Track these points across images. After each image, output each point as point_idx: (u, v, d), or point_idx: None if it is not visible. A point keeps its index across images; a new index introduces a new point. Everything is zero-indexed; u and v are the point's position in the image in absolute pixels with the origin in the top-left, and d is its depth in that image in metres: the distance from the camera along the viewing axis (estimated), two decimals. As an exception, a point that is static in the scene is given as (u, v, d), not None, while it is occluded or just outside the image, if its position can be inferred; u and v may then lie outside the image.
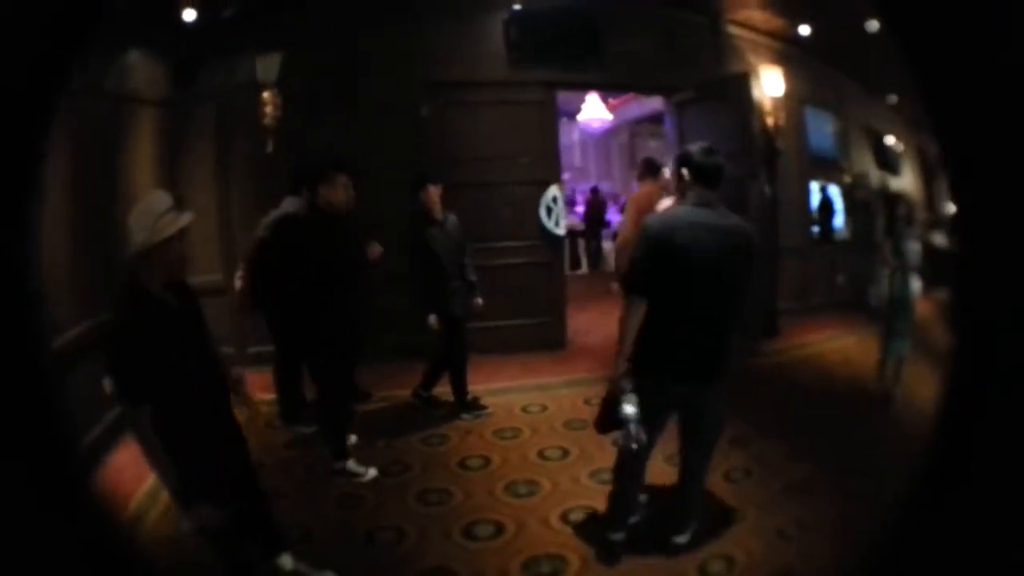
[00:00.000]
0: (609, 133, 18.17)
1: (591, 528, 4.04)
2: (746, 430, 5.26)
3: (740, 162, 7.25)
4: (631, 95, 14.30)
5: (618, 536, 3.85)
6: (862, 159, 9.04)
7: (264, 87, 6.77)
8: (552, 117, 8.12)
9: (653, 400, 3.54)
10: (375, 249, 5.19)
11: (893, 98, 8.63)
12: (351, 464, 4.91)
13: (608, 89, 12.57)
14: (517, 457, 5.16)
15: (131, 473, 3.98)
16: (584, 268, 13.61)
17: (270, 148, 6.79)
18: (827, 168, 8.93)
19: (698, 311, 3.48)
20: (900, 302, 5.94)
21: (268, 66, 6.73)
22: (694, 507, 3.92)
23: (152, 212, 2.92)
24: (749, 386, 5.95)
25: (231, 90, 6.95)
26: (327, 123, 6.80)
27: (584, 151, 19.81)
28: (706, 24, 8.16)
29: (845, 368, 6.99)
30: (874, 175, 8.96)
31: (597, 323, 8.31)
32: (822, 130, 8.89)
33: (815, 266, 8.76)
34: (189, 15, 6.31)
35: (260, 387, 5.49)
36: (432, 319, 5.63)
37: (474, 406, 6.01)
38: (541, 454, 5.18)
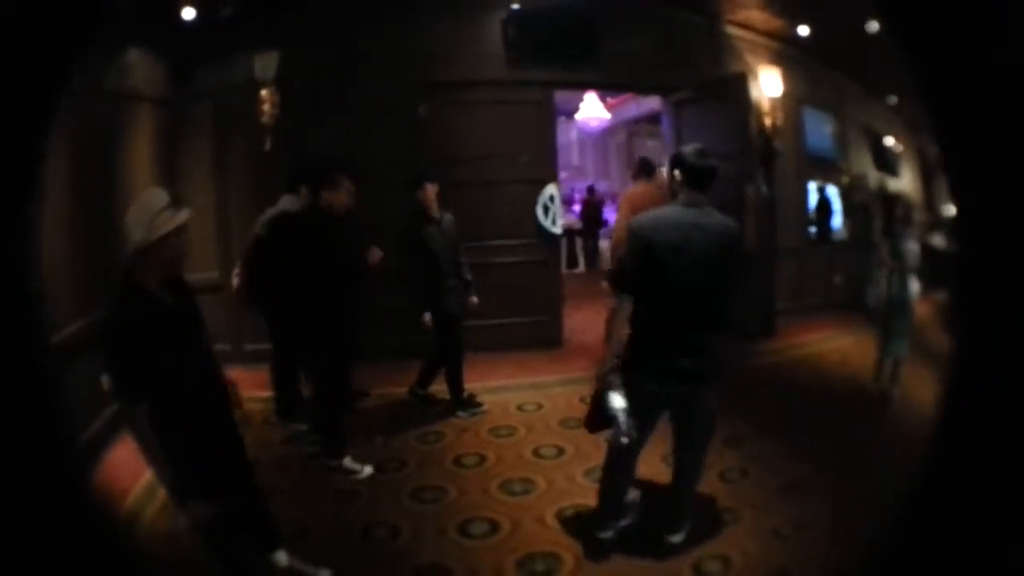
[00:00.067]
0: (607, 132, 18.15)
1: (584, 526, 4.04)
2: (742, 430, 5.27)
3: (738, 162, 7.26)
4: (629, 95, 14.28)
5: (607, 535, 3.86)
6: (861, 160, 9.04)
7: (262, 85, 6.76)
8: (549, 116, 8.11)
9: (643, 400, 3.55)
10: (375, 254, 5.16)
11: (893, 99, 8.63)
12: (347, 461, 4.92)
13: (606, 89, 12.53)
14: (512, 455, 5.16)
15: (128, 469, 3.98)
16: (581, 267, 13.61)
17: (268, 146, 6.79)
18: (825, 169, 8.92)
19: (685, 311, 3.50)
20: (898, 303, 5.95)
21: (266, 64, 6.73)
22: (688, 506, 3.93)
23: (149, 209, 2.92)
24: (746, 386, 5.96)
25: (229, 89, 6.94)
26: (325, 122, 6.80)
27: (582, 150, 19.78)
28: (704, 24, 8.16)
29: (842, 368, 6.99)
30: (872, 176, 8.96)
31: (593, 322, 8.29)
32: (820, 131, 8.88)
33: (813, 266, 8.76)
34: (188, 14, 6.30)
35: (257, 384, 5.50)
36: (427, 317, 5.64)
37: (470, 404, 6.01)
38: (536, 452, 5.19)
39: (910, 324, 5.98)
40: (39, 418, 1.72)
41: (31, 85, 1.69)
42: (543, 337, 7.80)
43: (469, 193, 7.15)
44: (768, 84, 7.90)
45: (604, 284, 3.74)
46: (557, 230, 7.97)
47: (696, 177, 3.54)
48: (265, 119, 6.79)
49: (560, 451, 5.17)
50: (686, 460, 3.85)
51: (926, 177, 8.36)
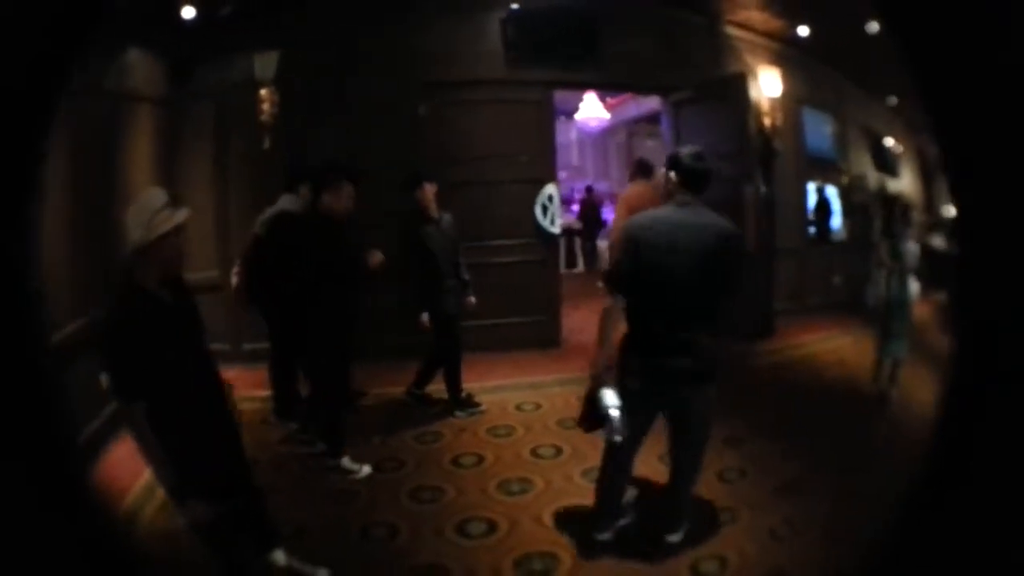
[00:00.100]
0: (607, 132, 18.14)
1: (582, 526, 4.03)
2: (741, 430, 5.27)
3: (737, 162, 7.27)
4: (628, 95, 14.28)
5: (605, 535, 3.87)
6: (860, 160, 9.05)
7: (261, 85, 6.76)
8: (549, 116, 8.10)
9: (636, 398, 3.56)
10: (375, 256, 5.16)
11: (892, 99, 8.63)
12: (345, 461, 4.92)
13: (606, 89, 12.53)
14: (510, 455, 5.17)
15: (127, 468, 3.97)
16: (580, 267, 13.61)
17: (267, 146, 6.78)
18: (824, 169, 8.93)
19: (676, 311, 3.51)
20: (897, 304, 5.95)
21: (265, 64, 6.73)
22: (685, 507, 3.93)
23: (148, 209, 2.92)
24: (744, 386, 5.96)
25: (229, 88, 6.94)
26: (325, 122, 6.81)
27: (582, 150, 19.76)
28: (704, 24, 8.17)
29: (841, 369, 6.99)
30: (872, 176, 8.97)
31: (592, 322, 8.24)
32: (820, 131, 8.89)
33: (812, 267, 8.76)
34: (188, 13, 6.30)
35: (255, 384, 5.51)
36: (424, 317, 5.64)
37: (468, 404, 6.01)
38: (534, 452, 5.19)
39: (909, 325, 5.98)
40: (39, 418, 1.72)
41: (31, 85, 1.69)
42: (541, 337, 7.79)
43: (468, 193, 7.16)
44: (768, 84, 7.90)
45: (600, 284, 3.77)
46: (556, 230, 7.97)
47: (691, 179, 3.57)
48: (264, 119, 6.78)
49: (558, 451, 5.17)
50: (682, 460, 3.85)
51: (926, 178, 8.38)
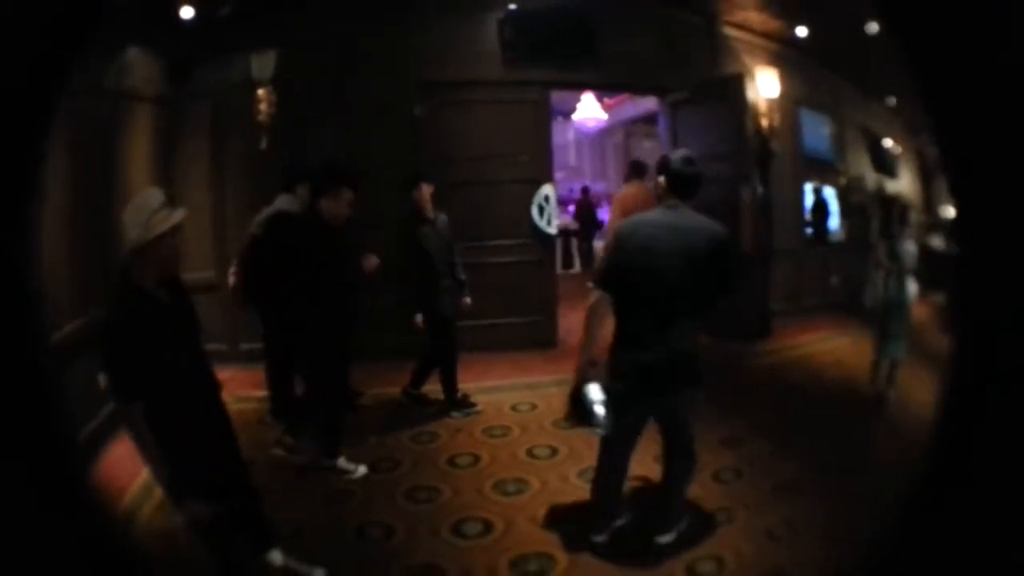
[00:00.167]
0: (604, 133, 18.11)
1: (578, 527, 4.03)
2: (738, 430, 5.28)
3: (734, 163, 7.28)
4: (626, 95, 14.27)
5: (601, 535, 3.87)
6: (858, 161, 9.06)
7: (259, 84, 6.76)
8: (546, 117, 8.09)
9: (621, 396, 3.59)
10: (371, 261, 5.16)
11: (891, 100, 8.65)
12: (341, 461, 4.92)
13: (603, 89, 12.50)
14: (506, 455, 5.17)
15: (126, 468, 3.97)
16: (577, 267, 13.60)
17: (264, 145, 6.78)
18: (822, 170, 8.93)
19: (662, 314, 3.54)
20: (895, 304, 5.95)
21: (262, 64, 6.73)
22: (678, 507, 3.95)
23: (145, 209, 2.93)
24: (742, 386, 5.97)
25: (226, 88, 6.95)
26: (324, 122, 6.81)
27: (579, 150, 19.73)
28: (702, 25, 8.17)
29: (838, 369, 6.99)
30: (870, 177, 8.98)
31: (589, 322, 8.31)
32: (817, 132, 8.89)
33: (809, 267, 8.77)
34: (187, 13, 6.30)
35: (252, 384, 5.51)
36: (418, 318, 5.65)
37: (464, 404, 6.00)
38: (530, 452, 5.19)
39: (907, 325, 5.98)
40: (39, 418, 1.72)
41: (31, 85, 1.69)
42: (538, 337, 7.77)
43: (466, 193, 7.16)
44: (765, 85, 7.91)
45: (589, 284, 3.81)
46: (552, 230, 7.95)
47: (681, 183, 3.61)
48: (262, 119, 6.79)
49: (554, 451, 5.17)
50: (674, 460, 3.88)
51: (924, 178, 8.39)
